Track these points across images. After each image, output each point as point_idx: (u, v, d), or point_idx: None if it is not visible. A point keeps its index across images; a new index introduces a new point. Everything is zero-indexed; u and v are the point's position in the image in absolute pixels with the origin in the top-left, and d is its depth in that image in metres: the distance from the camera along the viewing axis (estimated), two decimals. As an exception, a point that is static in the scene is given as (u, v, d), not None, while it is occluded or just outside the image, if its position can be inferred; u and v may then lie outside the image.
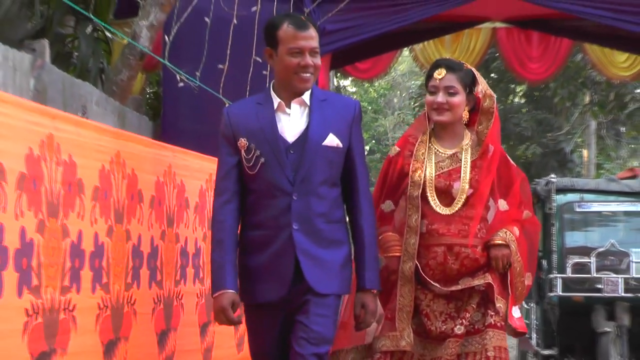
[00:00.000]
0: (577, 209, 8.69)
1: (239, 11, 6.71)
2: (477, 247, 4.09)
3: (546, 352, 8.70)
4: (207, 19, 6.71)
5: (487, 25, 9.55)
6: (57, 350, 3.29)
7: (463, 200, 4.10)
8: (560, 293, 8.02)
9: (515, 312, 4.27)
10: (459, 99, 4.12)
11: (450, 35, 9.78)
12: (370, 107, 30.74)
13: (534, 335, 9.06)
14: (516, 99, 22.29)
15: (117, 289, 3.80)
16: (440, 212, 4.09)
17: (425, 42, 9.88)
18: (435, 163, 4.15)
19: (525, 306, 9.27)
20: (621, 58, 10.01)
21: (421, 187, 4.10)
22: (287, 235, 3.69)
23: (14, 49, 4.63)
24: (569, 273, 8.13)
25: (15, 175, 3.02)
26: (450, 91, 4.11)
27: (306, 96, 3.79)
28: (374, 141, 30.24)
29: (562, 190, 8.63)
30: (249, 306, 3.83)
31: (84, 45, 7.06)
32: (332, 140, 3.75)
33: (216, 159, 3.87)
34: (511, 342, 5.59)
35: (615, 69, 10.14)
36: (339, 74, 14.64)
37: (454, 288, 4.07)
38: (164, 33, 6.81)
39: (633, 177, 9.05)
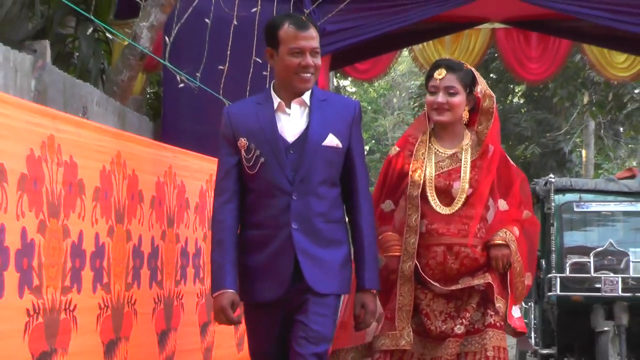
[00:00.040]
0: (576, 209, 8.69)
1: (239, 12, 6.71)
2: (477, 247, 4.10)
3: (545, 351, 8.71)
4: (207, 20, 6.71)
5: (487, 25, 9.54)
6: (58, 350, 3.29)
7: (463, 200, 4.10)
8: (559, 292, 8.01)
9: (515, 312, 4.27)
10: (459, 99, 4.13)
11: (450, 36, 9.77)
12: (370, 107, 30.73)
13: (532, 335, 9.07)
14: (515, 99, 22.29)
15: (118, 289, 3.80)
16: (440, 211, 4.10)
17: (425, 43, 9.88)
18: (435, 163, 4.16)
19: (524, 305, 9.27)
20: (620, 59, 10.01)
21: (421, 186, 4.11)
22: (287, 234, 3.70)
23: (15, 50, 4.63)
24: (567, 273, 8.12)
25: (16, 176, 3.03)
26: (450, 91, 4.12)
27: (306, 96, 3.79)
28: (373, 141, 30.24)
29: (561, 190, 8.63)
30: (249, 306, 3.83)
31: (84, 45, 7.07)
32: (331, 140, 3.76)
33: (216, 160, 3.88)
34: (511, 341, 5.59)
35: (614, 70, 10.13)
36: (338, 75, 14.64)
37: (453, 287, 4.08)
38: (164, 34, 6.81)
39: (632, 177, 9.03)
